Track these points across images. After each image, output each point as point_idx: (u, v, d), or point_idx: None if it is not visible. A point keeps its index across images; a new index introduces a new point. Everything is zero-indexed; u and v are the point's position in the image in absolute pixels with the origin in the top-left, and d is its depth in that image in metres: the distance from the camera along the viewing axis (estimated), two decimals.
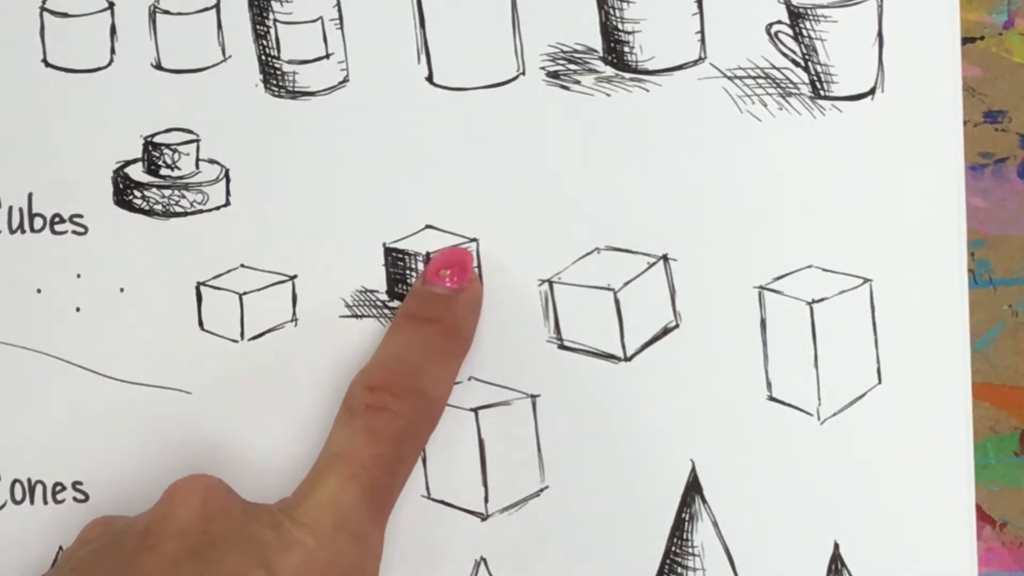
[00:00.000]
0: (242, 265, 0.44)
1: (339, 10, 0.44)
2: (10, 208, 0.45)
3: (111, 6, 0.45)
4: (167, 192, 0.44)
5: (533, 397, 0.44)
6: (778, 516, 0.43)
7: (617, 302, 0.44)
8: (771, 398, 0.43)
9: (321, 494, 0.38)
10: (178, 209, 0.45)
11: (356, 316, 0.44)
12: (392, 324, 0.43)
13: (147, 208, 0.45)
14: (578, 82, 0.44)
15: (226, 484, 0.39)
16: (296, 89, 0.44)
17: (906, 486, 0.43)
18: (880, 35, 0.43)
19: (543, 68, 0.44)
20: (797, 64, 0.43)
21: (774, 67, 0.43)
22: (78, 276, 0.45)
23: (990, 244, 0.44)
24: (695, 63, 0.44)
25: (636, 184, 0.44)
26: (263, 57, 0.44)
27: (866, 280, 0.43)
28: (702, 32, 0.44)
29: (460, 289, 0.43)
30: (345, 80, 0.44)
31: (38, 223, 0.45)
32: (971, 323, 0.43)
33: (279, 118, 0.44)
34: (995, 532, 0.45)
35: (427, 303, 0.43)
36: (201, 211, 0.45)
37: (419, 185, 0.44)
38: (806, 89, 0.43)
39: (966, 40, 0.44)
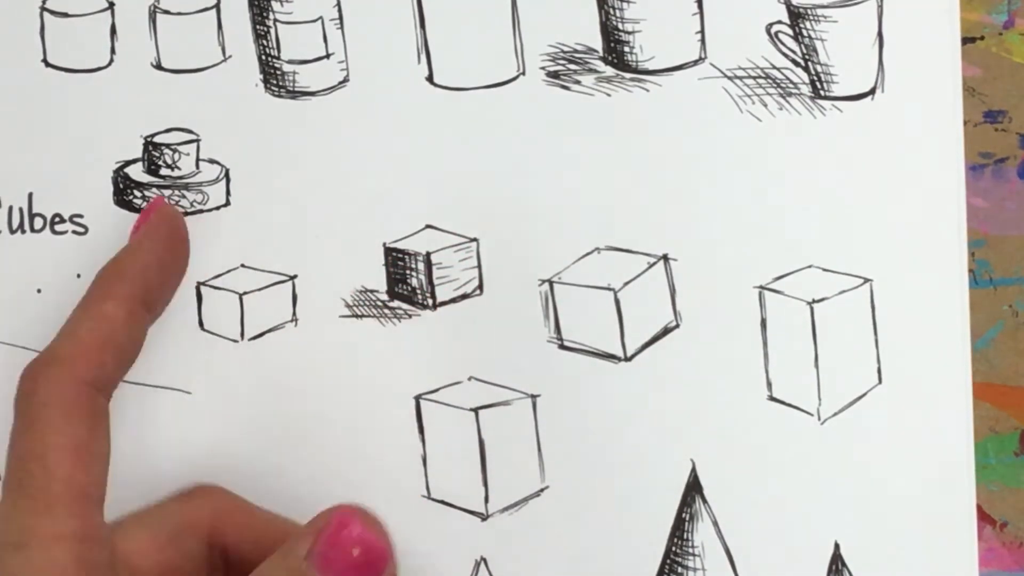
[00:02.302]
0: (242, 265, 0.44)
1: (339, 10, 0.44)
2: (10, 208, 0.45)
3: (111, 6, 0.45)
4: (167, 192, 0.44)
5: (533, 397, 0.44)
6: (778, 516, 0.43)
7: (617, 302, 0.43)
8: (771, 398, 0.43)
9: None
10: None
11: (356, 316, 0.44)
12: None
13: None
14: (578, 82, 0.44)
15: None
16: (296, 89, 0.44)
17: (906, 486, 0.43)
18: (880, 35, 0.43)
19: (543, 68, 0.44)
20: (797, 64, 0.43)
21: (774, 67, 0.43)
22: (78, 276, 0.45)
23: (990, 244, 0.44)
24: (695, 63, 0.44)
25: (636, 184, 0.44)
26: (263, 57, 0.44)
27: (866, 280, 0.43)
28: (702, 32, 0.43)
29: None
30: (345, 80, 0.44)
31: (38, 223, 0.45)
32: (971, 323, 0.43)
33: (279, 118, 0.44)
34: (995, 532, 0.45)
35: None
36: (201, 211, 0.45)
37: (419, 185, 0.44)
38: (806, 89, 0.43)
39: (966, 40, 0.44)
